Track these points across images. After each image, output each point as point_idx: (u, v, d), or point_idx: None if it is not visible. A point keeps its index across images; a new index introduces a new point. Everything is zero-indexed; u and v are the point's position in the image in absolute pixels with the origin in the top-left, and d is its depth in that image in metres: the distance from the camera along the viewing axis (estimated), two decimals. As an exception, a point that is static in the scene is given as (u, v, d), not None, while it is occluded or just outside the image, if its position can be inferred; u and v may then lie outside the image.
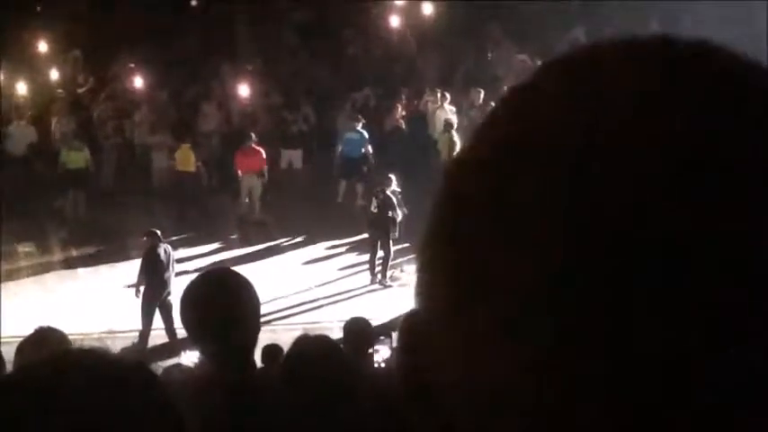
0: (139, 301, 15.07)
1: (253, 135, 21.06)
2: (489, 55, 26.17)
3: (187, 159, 20.86)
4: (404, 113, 23.28)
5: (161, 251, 15.24)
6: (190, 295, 3.49)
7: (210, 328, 3.40)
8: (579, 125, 0.59)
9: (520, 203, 0.59)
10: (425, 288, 0.65)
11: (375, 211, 17.71)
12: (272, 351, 7.94)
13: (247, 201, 20.82)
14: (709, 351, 0.54)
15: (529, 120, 0.63)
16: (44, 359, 1.46)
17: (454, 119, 22.02)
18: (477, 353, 0.59)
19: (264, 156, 20.78)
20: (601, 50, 0.65)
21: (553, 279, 0.56)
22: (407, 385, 0.65)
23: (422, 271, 0.67)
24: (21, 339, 4.74)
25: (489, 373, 0.58)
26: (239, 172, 20.71)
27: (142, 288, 15.14)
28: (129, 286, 15.86)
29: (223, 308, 3.39)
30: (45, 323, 4.83)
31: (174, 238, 18.15)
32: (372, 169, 21.34)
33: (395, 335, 8.89)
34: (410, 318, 0.66)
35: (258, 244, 19.40)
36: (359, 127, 21.68)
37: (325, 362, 3.76)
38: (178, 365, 8.33)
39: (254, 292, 3.54)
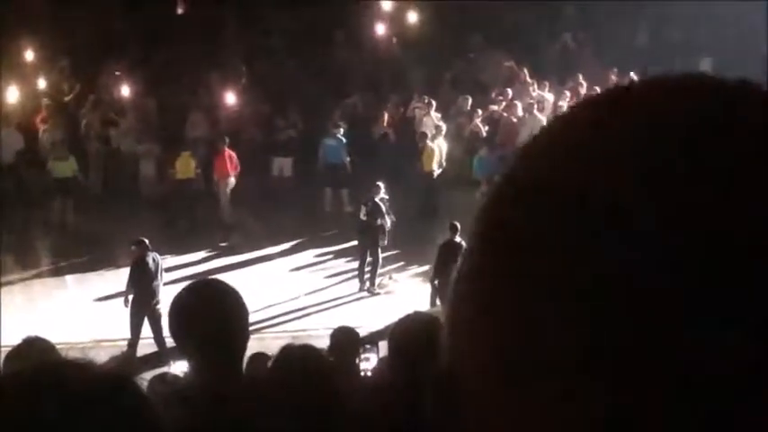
0: (128, 310, 15.04)
1: (226, 139, 21.32)
2: (472, 57, 26.17)
3: (188, 167, 20.92)
4: (391, 120, 23.30)
5: (149, 260, 15.22)
6: (177, 306, 3.50)
7: (198, 339, 3.41)
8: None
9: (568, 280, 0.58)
10: (466, 356, 0.64)
11: (364, 218, 17.70)
12: (259, 359, 7.93)
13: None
14: None
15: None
16: (26, 371, 1.47)
17: (443, 126, 22.04)
18: (534, 424, 0.59)
19: (236, 160, 21.13)
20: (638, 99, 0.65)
21: (609, 351, 0.57)
22: None
23: (458, 336, 0.65)
24: (8, 349, 4.73)
25: None
26: (216, 177, 21.01)
27: (131, 297, 15.12)
28: (117, 295, 15.84)
29: (210, 319, 3.40)
30: (33, 332, 4.82)
31: (163, 246, 18.14)
32: (349, 175, 21.35)
33: (381, 344, 8.89)
34: (446, 380, 0.65)
35: (247, 251, 19.38)
36: (339, 133, 21.71)
37: (310, 371, 3.77)
38: (166, 375, 8.31)
39: (242, 302, 3.55)
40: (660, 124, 0.61)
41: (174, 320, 3.50)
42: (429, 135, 21.44)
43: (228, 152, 21.14)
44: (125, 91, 23.86)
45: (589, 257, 0.58)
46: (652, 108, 0.62)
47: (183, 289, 3.59)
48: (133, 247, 15.55)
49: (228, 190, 21.09)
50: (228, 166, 21.05)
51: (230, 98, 23.87)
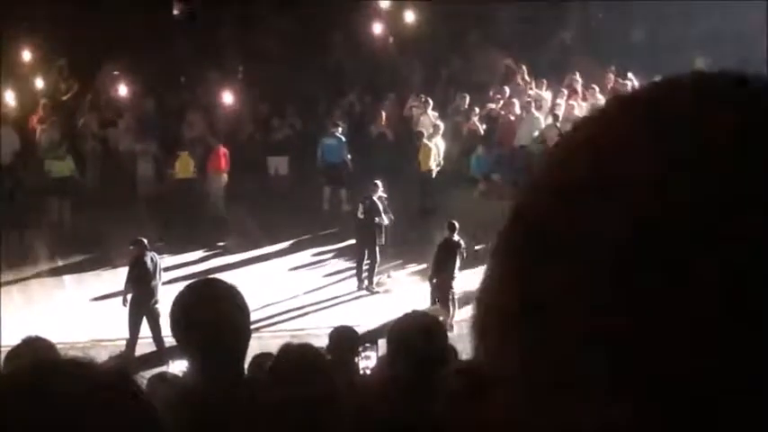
0: (126, 309, 15.05)
1: (221, 136, 21.90)
2: (470, 55, 26.18)
3: (187, 167, 21.05)
4: (388, 119, 23.27)
5: (147, 260, 15.23)
6: (178, 305, 3.51)
7: (198, 339, 3.42)
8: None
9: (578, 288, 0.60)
10: (493, 364, 0.65)
11: (362, 217, 17.71)
12: (261, 359, 7.93)
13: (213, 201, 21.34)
14: None
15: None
16: (25, 369, 1.47)
17: (440, 124, 22.03)
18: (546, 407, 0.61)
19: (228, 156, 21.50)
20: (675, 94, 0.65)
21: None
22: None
23: (488, 341, 0.66)
24: (7, 349, 4.74)
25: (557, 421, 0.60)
26: (210, 173, 21.31)
27: (129, 297, 15.12)
28: (115, 295, 15.84)
29: (211, 318, 3.41)
30: (32, 333, 4.83)
31: (161, 245, 18.18)
32: (351, 174, 21.34)
33: (381, 342, 8.88)
34: (472, 378, 0.66)
35: (245, 250, 19.39)
36: (338, 132, 21.71)
37: (308, 371, 3.78)
38: (164, 374, 8.32)
39: (243, 301, 3.56)
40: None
41: (175, 319, 3.50)
42: (425, 134, 21.45)
43: (223, 149, 21.38)
44: (123, 90, 23.88)
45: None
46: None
47: (185, 288, 3.60)
48: (131, 247, 15.56)
49: (223, 186, 21.24)
50: (223, 162, 21.25)
51: (228, 97, 23.89)
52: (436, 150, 21.34)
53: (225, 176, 21.30)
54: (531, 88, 23.88)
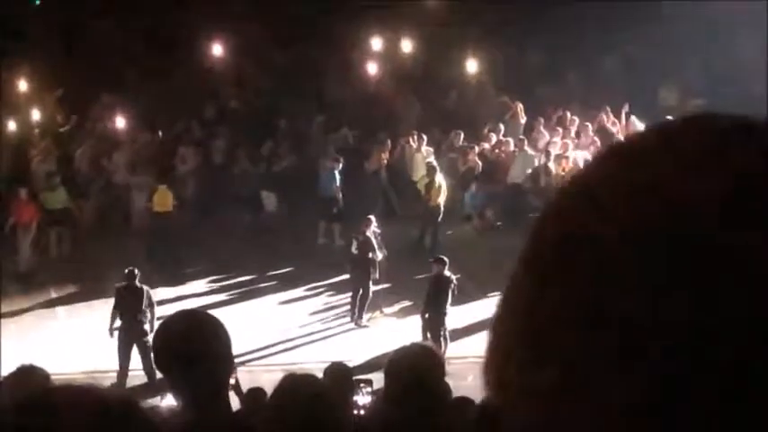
0: (116, 341, 15.02)
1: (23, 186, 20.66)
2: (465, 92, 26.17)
3: (165, 200, 20.72)
4: (383, 155, 23.23)
5: (134, 290, 15.14)
6: (161, 338, 3.56)
7: (183, 371, 3.44)
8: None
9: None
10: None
11: (356, 252, 17.69)
12: (255, 394, 7.88)
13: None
14: None
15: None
16: (33, 396, 1.49)
17: (433, 162, 22.00)
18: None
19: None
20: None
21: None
22: None
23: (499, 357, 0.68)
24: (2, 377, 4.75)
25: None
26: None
27: (117, 327, 15.08)
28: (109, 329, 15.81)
29: (195, 350, 3.43)
30: (26, 362, 4.83)
31: (153, 278, 18.14)
32: (343, 209, 21.29)
33: (374, 376, 8.84)
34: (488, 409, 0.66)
35: (237, 285, 19.37)
36: (336, 168, 21.67)
37: (313, 401, 3.79)
38: (155, 408, 8.29)
39: (225, 332, 3.59)
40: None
41: (158, 351, 3.56)
42: (436, 169, 21.18)
43: (26, 198, 20.38)
44: (119, 123, 23.86)
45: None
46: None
47: (166, 319, 3.66)
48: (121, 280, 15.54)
49: (30, 238, 20.24)
50: (28, 214, 20.26)
51: (222, 131, 23.93)
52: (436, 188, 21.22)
53: (33, 229, 20.32)
54: (540, 130, 23.71)
